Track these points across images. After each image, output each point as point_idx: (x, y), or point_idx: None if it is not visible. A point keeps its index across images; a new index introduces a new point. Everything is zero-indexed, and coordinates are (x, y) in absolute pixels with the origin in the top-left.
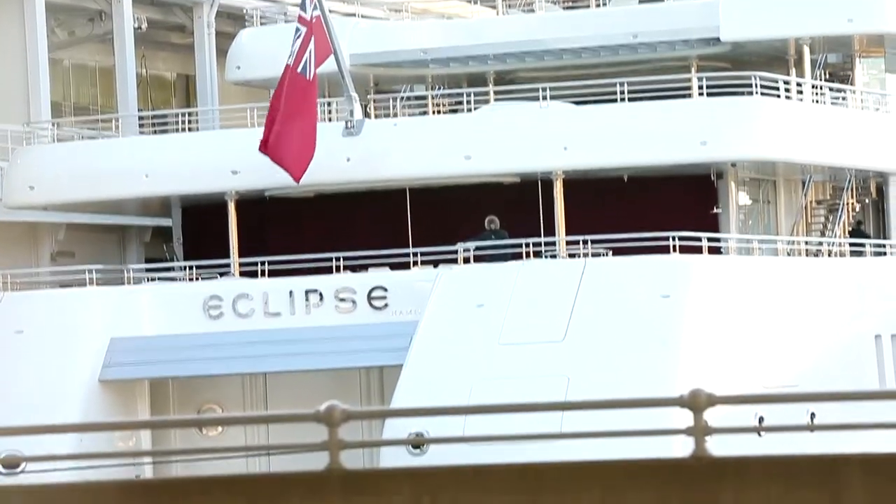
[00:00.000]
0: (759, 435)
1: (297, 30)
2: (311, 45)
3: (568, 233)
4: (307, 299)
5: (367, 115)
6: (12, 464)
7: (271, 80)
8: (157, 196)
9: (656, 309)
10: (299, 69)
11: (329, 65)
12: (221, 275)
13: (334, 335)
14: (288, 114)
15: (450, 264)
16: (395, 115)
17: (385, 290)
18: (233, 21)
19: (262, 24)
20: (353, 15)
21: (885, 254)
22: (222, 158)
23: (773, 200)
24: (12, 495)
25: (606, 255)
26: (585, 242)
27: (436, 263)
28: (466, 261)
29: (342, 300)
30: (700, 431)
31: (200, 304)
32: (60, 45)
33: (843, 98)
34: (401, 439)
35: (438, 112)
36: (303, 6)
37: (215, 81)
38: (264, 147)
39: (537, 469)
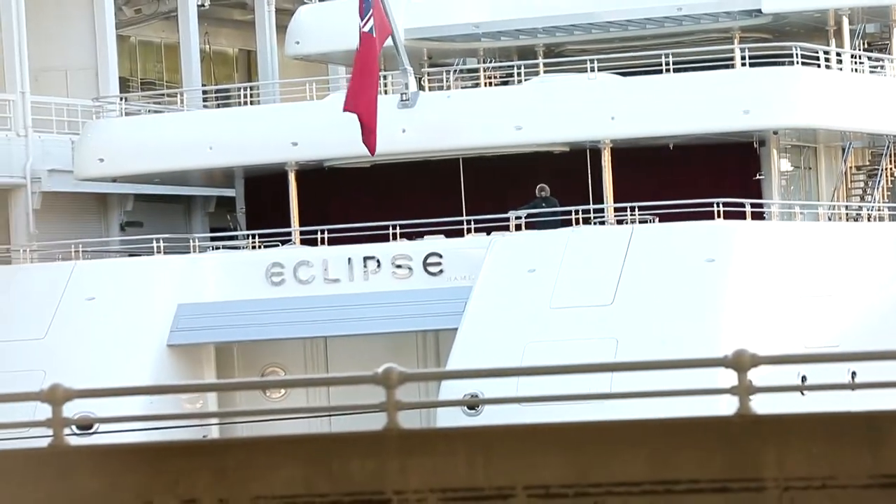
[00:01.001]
0: (802, 394)
1: (368, 1)
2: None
3: (616, 200)
4: (365, 266)
5: (421, 87)
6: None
7: (329, 55)
8: (221, 167)
9: (702, 273)
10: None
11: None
12: (283, 243)
13: (391, 300)
14: (365, 75)
15: (502, 231)
16: (449, 87)
17: (440, 256)
18: None
19: (319, 0)
20: None
21: None
22: (282, 131)
23: (814, 167)
24: (87, 454)
25: (653, 221)
26: (633, 209)
27: (488, 231)
28: (518, 228)
29: (399, 267)
30: (744, 391)
31: (263, 272)
32: (128, 23)
33: (882, 67)
34: (456, 400)
35: (490, 84)
36: None
37: (275, 56)
38: (352, 107)
39: (587, 428)
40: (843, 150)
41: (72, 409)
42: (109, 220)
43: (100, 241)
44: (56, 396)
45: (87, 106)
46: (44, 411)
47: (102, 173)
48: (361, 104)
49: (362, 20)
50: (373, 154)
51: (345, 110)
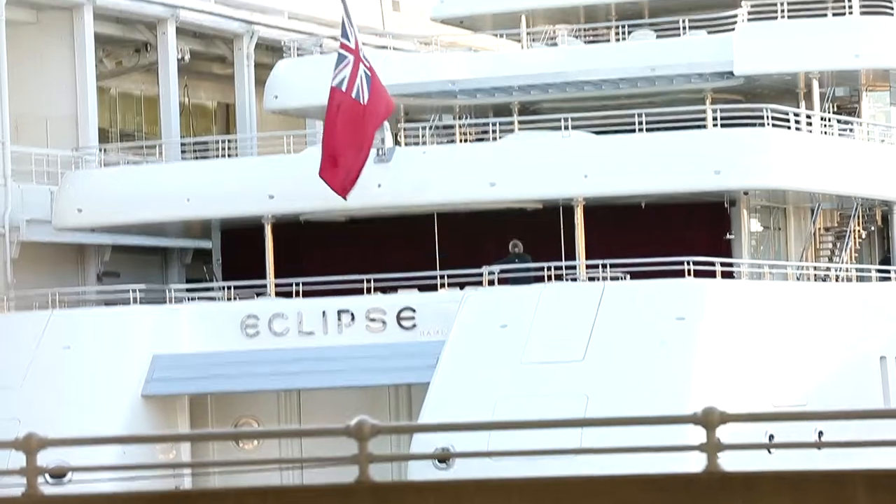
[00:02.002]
0: (769, 452)
1: (343, 56)
2: (362, 70)
3: (588, 257)
4: (339, 319)
5: (397, 142)
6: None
7: (307, 109)
8: (198, 219)
9: (672, 330)
10: (353, 94)
11: None
12: (258, 295)
13: (365, 353)
14: (346, 140)
15: (475, 286)
16: (425, 143)
17: (413, 310)
18: (271, 52)
19: (298, 55)
20: (385, 47)
21: (889, 279)
22: (260, 183)
23: (784, 227)
24: (57, 503)
25: (624, 278)
26: (604, 266)
27: (462, 285)
28: (491, 283)
29: (372, 320)
30: (713, 448)
31: (238, 323)
32: (108, 75)
33: (851, 130)
34: (427, 453)
35: (465, 140)
36: (344, 34)
37: (254, 110)
38: (325, 173)
39: (558, 483)
40: (812, 211)
41: (46, 458)
42: (87, 269)
43: (77, 290)
44: (30, 445)
45: (67, 156)
46: (18, 460)
47: (81, 223)
48: (338, 169)
49: (334, 72)
50: (344, 198)
51: (319, 175)
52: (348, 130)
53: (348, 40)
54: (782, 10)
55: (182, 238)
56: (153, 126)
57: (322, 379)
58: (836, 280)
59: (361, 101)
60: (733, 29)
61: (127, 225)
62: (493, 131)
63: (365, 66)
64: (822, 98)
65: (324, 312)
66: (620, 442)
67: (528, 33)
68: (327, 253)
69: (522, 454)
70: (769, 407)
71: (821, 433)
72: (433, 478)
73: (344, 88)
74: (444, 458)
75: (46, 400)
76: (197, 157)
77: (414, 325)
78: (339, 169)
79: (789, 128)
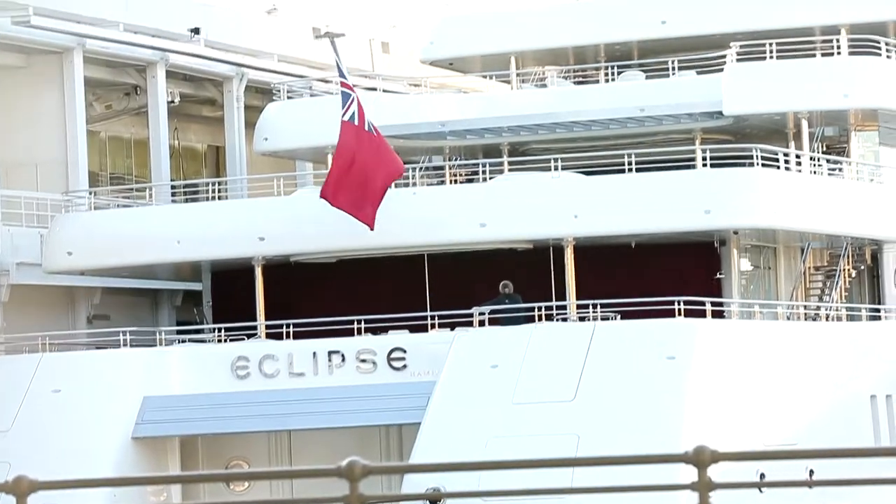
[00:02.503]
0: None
1: (346, 94)
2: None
3: (578, 297)
4: (330, 360)
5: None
6: None
7: (297, 151)
8: (188, 261)
9: (662, 370)
10: (366, 127)
11: None
12: (248, 336)
13: (355, 394)
14: (365, 169)
15: (466, 327)
16: (415, 184)
17: (404, 351)
18: (261, 95)
19: (288, 97)
20: (375, 89)
21: (879, 318)
22: (250, 226)
23: (774, 266)
24: None
25: (615, 318)
26: (595, 306)
27: (452, 326)
28: (482, 324)
29: (363, 361)
30: (704, 486)
31: (228, 365)
32: (98, 118)
33: (840, 169)
34: (418, 494)
35: (455, 181)
36: (341, 74)
37: (244, 152)
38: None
39: None
40: (802, 250)
41: (36, 501)
42: (77, 312)
43: (67, 333)
44: (21, 488)
45: (57, 200)
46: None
47: (71, 267)
48: (341, 195)
49: (343, 110)
50: (372, 228)
51: (321, 196)
52: (371, 158)
53: (346, 78)
54: (771, 51)
55: (172, 280)
56: (143, 169)
57: (313, 420)
58: (827, 319)
59: (374, 133)
60: (722, 69)
61: (117, 268)
62: (483, 172)
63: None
64: (811, 138)
65: (314, 354)
66: (612, 481)
67: (517, 74)
68: (318, 294)
69: (514, 494)
70: (760, 446)
71: (812, 472)
72: None
73: (356, 122)
74: (435, 498)
75: (37, 443)
76: (187, 200)
77: (405, 366)
78: (365, 200)
79: (779, 167)
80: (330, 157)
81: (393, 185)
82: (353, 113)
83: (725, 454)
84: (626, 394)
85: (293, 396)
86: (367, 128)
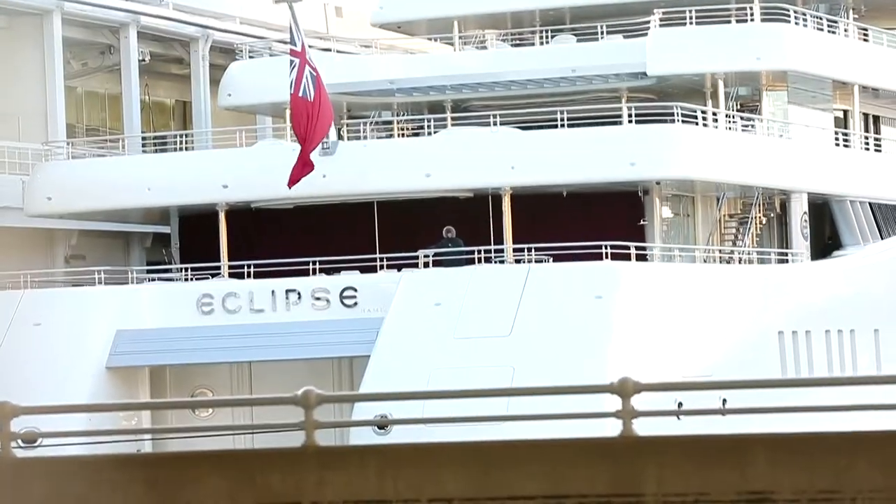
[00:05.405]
0: (679, 418)
1: (291, 62)
2: (307, 71)
3: (514, 242)
4: (287, 298)
5: (340, 137)
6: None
7: (258, 106)
8: (158, 207)
9: (590, 308)
10: (300, 94)
11: None
12: (213, 276)
13: (310, 329)
14: (300, 136)
15: (412, 268)
16: (366, 137)
17: (355, 290)
18: (225, 54)
19: (250, 57)
20: (329, 50)
21: (787, 261)
22: (214, 174)
23: (692, 214)
24: (32, 466)
25: (548, 261)
26: (529, 250)
27: (399, 268)
28: (426, 265)
29: (318, 299)
30: (627, 415)
31: (194, 302)
32: (75, 75)
33: (752, 126)
34: (368, 420)
35: (403, 135)
36: (292, 41)
37: (209, 107)
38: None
39: (487, 447)
40: (718, 199)
41: (18, 425)
42: (55, 252)
43: (46, 272)
44: (4, 413)
45: (37, 149)
46: None
47: (50, 211)
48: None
49: (289, 79)
50: (289, 187)
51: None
52: (298, 125)
53: (296, 45)
54: (691, 17)
55: (143, 224)
56: (116, 122)
57: (271, 352)
58: (739, 262)
59: (308, 98)
60: (646, 34)
61: (92, 212)
62: (429, 127)
63: (311, 66)
64: (726, 97)
65: (273, 292)
66: (544, 409)
67: (459, 37)
68: (277, 238)
69: (454, 421)
70: (679, 377)
71: (724, 400)
72: (373, 443)
73: (292, 90)
74: (382, 424)
75: (19, 372)
76: (157, 150)
77: (356, 304)
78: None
79: (697, 124)
80: (287, 112)
81: (346, 137)
82: (292, 81)
83: (647, 385)
84: (558, 330)
85: (253, 331)
86: (301, 94)
